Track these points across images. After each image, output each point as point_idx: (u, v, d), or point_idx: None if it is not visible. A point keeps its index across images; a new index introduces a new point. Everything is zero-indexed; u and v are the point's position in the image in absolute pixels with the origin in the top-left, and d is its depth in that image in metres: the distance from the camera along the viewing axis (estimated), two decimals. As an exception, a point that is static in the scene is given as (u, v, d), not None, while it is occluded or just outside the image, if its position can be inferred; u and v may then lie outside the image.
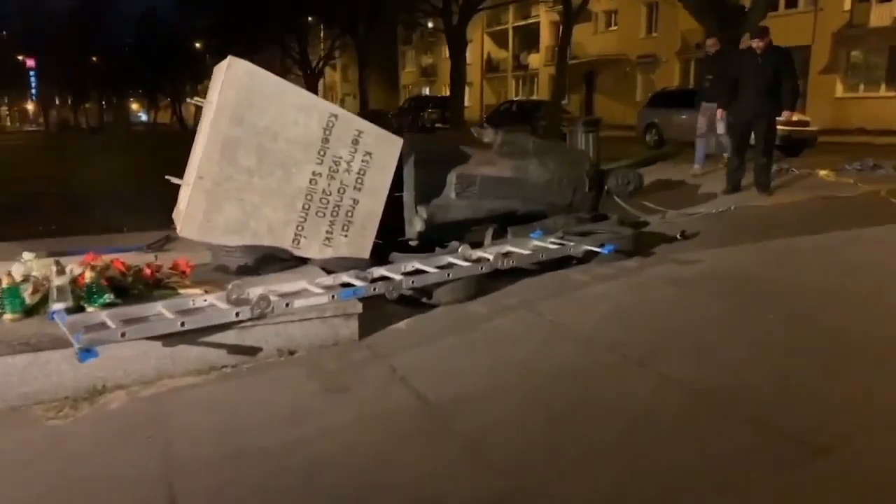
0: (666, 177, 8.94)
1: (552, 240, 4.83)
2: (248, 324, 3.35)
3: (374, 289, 3.71)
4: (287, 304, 3.40)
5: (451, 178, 4.91)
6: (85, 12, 60.90)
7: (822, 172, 8.59)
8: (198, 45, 51.06)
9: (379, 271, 4.05)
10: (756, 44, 7.23)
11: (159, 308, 3.34)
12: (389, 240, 4.75)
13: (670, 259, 4.82)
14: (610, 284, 4.31)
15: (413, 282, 3.87)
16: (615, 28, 35.49)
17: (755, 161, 7.44)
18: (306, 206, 4.28)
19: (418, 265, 4.18)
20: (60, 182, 13.41)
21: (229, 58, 4.05)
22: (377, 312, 3.81)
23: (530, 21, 41.54)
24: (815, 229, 5.53)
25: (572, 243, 4.70)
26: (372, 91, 51.27)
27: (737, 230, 5.82)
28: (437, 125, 26.40)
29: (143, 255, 4.64)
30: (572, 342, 3.37)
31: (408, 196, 4.71)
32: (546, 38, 39.81)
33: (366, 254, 4.48)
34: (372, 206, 4.46)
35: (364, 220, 4.45)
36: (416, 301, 4.10)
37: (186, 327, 3.13)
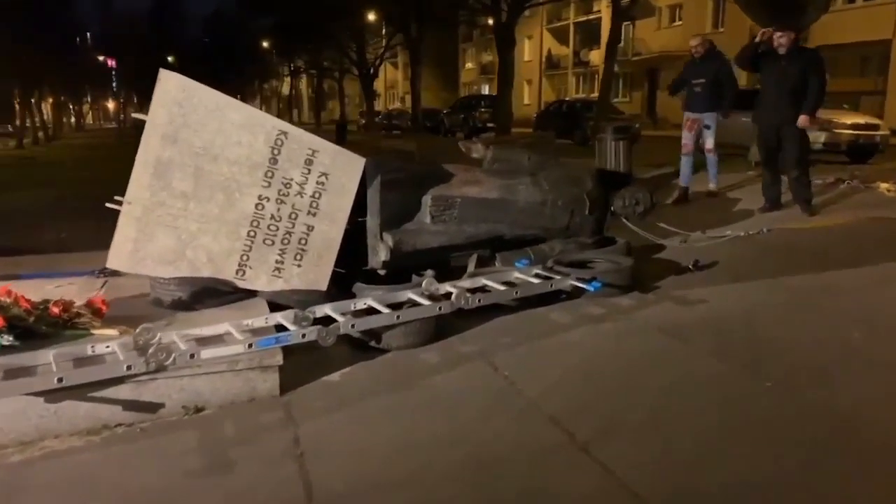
0: (703, 188, 8.17)
1: (537, 271, 4.27)
2: (146, 377, 2.95)
3: (304, 335, 3.25)
4: (192, 356, 2.98)
5: (427, 200, 4.41)
6: (159, 14, 62.88)
7: (884, 186, 7.66)
8: (265, 43, 51.87)
9: (323, 310, 3.60)
10: (779, 39, 6.36)
11: (50, 357, 2.98)
12: (356, 269, 4.30)
13: (671, 297, 4.19)
14: (590, 329, 3.73)
15: (353, 325, 3.39)
16: (680, 23, 34.06)
17: (788, 175, 6.64)
18: (252, 234, 3.87)
19: (372, 302, 3.71)
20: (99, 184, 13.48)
21: (161, 71, 3.66)
22: (317, 356, 3.36)
23: (592, 16, 40.37)
24: (855, 260, 4.78)
25: (557, 277, 4.13)
26: (431, 89, 51.11)
27: (761, 259, 5.10)
28: (489, 125, 25.76)
29: (94, 280, 4.36)
30: (516, 411, 2.83)
31: (372, 221, 4.23)
32: (608, 33, 38.48)
33: (322, 285, 4.03)
34: (329, 233, 4.01)
35: (320, 249, 4.01)
36: (366, 344, 3.63)
37: (65, 383, 2.75)
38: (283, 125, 3.86)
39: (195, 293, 3.78)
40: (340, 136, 28.30)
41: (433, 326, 3.68)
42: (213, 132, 3.73)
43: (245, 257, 3.88)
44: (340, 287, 4.07)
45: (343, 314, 3.61)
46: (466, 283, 4.07)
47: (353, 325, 3.39)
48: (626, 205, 5.05)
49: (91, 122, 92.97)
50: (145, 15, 64.35)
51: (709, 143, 7.91)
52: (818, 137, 11.39)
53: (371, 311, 3.63)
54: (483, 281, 4.09)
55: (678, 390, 2.91)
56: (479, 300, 3.75)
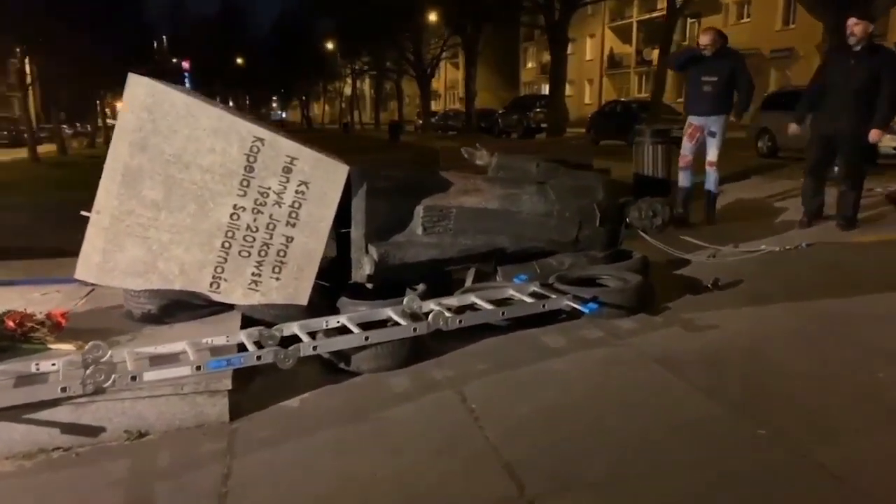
0: (751, 196, 7.64)
1: (534, 288, 3.96)
2: (85, 399, 2.79)
3: (259, 357, 3.04)
4: (133, 378, 2.81)
5: (419, 210, 4.15)
6: (227, 17, 64.64)
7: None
8: (329, 45, 52.52)
9: (291, 328, 3.39)
10: (852, 27, 5.54)
11: (-10, 374, 2.86)
12: (344, 283, 4.09)
13: (679, 321, 3.80)
14: (580, 357, 3.40)
15: (316, 347, 3.17)
16: (748, 20, 32.72)
17: (838, 188, 6.02)
18: (227, 245, 3.69)
19: (345, 321, 3.48)
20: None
21: (129, 76, 3.51)
22: (286, 376, 3.15)
23: (655, 14, 39.19)
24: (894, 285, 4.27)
25: (553, 296, 3.81)
26: (491, 89, 50.72)
27: (792, 278, 4.62)
28: (543, 126, 25.24)
29: (81, 288, 4.27)
30: (471, 453, 2.54)
31: (356, 233, 4.00)
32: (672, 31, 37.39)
33: (303, 300, 3.83)
34: (310, 245, 3.80)
35: (300, 261, 3.80)
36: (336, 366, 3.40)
37: (-6, 405, 2.62)
38: (260, 131, 3.66)
39: (165, 306, 3.63)
40: (394, 136, 28.36)
41: (408, 348, 3.42)
42: (185, 139, 3.56)
43: (220, 269, 3.70)
44: (317, 303, 3.87)
45: (313, 333, 3.41)
46: (454, 300, 3.80)
47: (314, 348, 3.16)
48: (642, 217, 4.66)
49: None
50: (214, 18, 66.23)
51: (712, 153, 6.60)
52: (892, 141, 10.45)
53: (346, 329, 3.41)
54: (472, 299, 3.81)
55: (655, 437, 2.56)
56: (461, 321, 3.47)
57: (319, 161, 3.77)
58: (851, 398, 2.78)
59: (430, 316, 3.40)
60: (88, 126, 40.52)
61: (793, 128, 6.16)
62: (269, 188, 3.70)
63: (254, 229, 3.72)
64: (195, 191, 3.61)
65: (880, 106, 5.48)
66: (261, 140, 3.66)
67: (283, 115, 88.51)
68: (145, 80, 3.52)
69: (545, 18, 21.98)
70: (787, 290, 4.33)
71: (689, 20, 36.54)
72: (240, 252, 3.71)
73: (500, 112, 30.41)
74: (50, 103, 34.08)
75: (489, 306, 3.67)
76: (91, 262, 3.57)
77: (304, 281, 3.83)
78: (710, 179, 6.64)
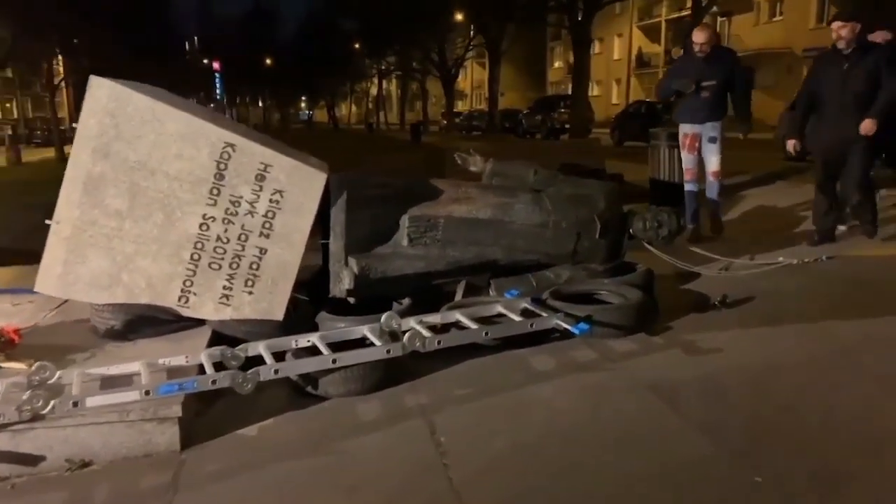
0: (773, 203, 7.27)
1: (526, 305, 3.70)
2: (24, 425, 2.60)
3: (215, 382, 2.83)
4: (75, 404, 2.61)
5: (404, 220, 3.91)
6: (254, 18, 65.13)
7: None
8: (356, 45, 52.53)
9: (257, 348, 3.17)
10: (837, 31, 5.03)
11: (-73, 397, 2.68)
12: (326, 297, 3.87)
13: (680, 343, 3.51)
14: (568, 382, 3.13)
15: (277, 371, 2.94)
16: (780, 18, 31.90)
17: (848, 201, 5.58)
18: (196, 257, 3.49)
19: (316, 341, 3.26)
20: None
21: (91, 77, 3.33)
22: (245, 401, 2.93)
23: (685, 13, 38.43)
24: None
25: (545, 314, 3.54)
26: (518, 89, 50.35)
27: (809, 295, 4.28)
28: (567, 126, 24.81)
29: (53, 299, 4.10)
30: (426, 499, 2.29)
31: (335, 244, 3.77)
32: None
33: (278, 315, 3.62)
34: (285, 257, 3.59)
35: (274, 274, 3.59)
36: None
37: (-79, 432, 2.44)
38: (231, 136, 3.45)
39: (130, 322, 3.44)
40: (415, 137, 28.17)
41: (382, 371, 3.17)
42: (150, 145, 3.37)
43: (188, 283, 3.51)
44: (295, 318, 3.66)
45: (281, 353, 3.19)
46: (437, 317, 3.56)
47: (276, 371, 2.93)
48: (646, 228, 4.36)
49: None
50: (242, 19, 66.79)
51: (713, 162, 5.89)
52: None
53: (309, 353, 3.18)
54: (457, 316, 3.56)
55: (638, 483, 2.29)
56: (440, 342, 3.22)
57: (295, 168, 3.55)
58: (861, 444, 2.46)
59: (406, 336, 3.16)
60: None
61: (791, 144, 5.51)
62: (241, 197, 3.49)
63: (225, 240, 3.51)
64: (162, 199, 3.42)
65: (880, 96, 4.99)
66: (232, 146, 3.45)
67: (311, 114, 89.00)
68: (107, 82, 3.33)
69: (568, 18, 21.61)
70: (802, 309, 4.00)
71: (719, 19, 35.82)
72: (210, 264, 3.51)
73: (525, 112, 30.00)
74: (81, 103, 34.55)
75: (474, 325, 3.41)
76: (52, 274, 3.39)
77: (278, 295, 3.62)
78: (714, 189, 6.02)
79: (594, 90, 51.27)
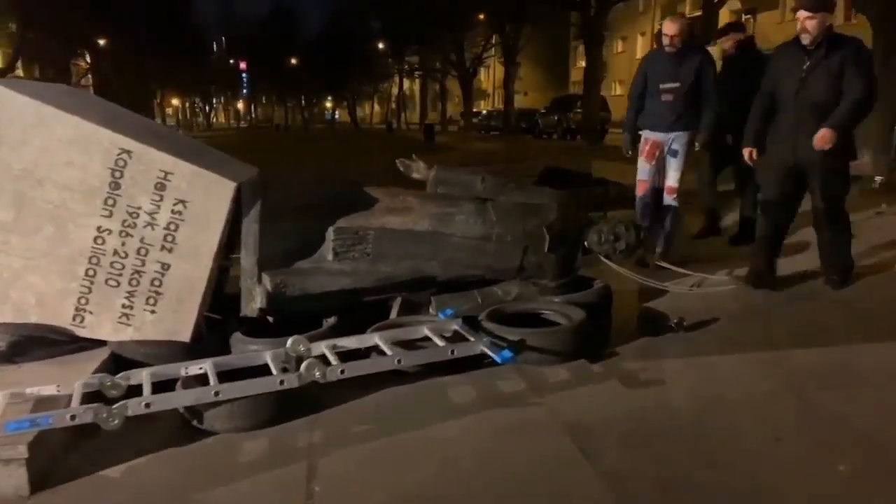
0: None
1: (456, 327, 3.36)
2: None
3: (73, 417, 2.54)
4: None
5: (329, 233, 3.60)
6: (279, 18, 65.44)
7: None
8: (379, 45, 52.42)
9: (140, 376, 2.88)
10: (803, 22, 3.93)
11: None
12: (238, 316, 3.58)
13: (620, 372, 3.15)
14: (480, 420, 2.79)
15: (148, 405, 2.64)
16: (806, 15, 30.93)
17: (819, 235, 4.33)
18: (91, 273, 3.22)
19: (208, 368, 2.96)
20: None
21: (-30, 79, 3.06)
22: (125, 435, 2.64)
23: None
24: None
25: (471, 339, 3.20)
26: (539, 89, 49.75)
27: (779, 317, 3.87)
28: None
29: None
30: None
31: (246, 259, 3.47)
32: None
33: (184, 335, 3.33)
34: (191, 273, 3.30)
35: (179, 292, 3.30)
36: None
37: None
38: (127, 141, 3.16)
39: (16, 343, 3.16)
40: (428, 137, 27.83)
41: (275, 404, 2.85)
42: (37, 151, 3.10)
43: (83, 300, 3.23)
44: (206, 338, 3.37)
45: (168, 382, 2.90)
46: (353, 341, 3.24)
47: (147, 405, 2.64)
48: (601, 241, 3.99)
49: (223, 121, 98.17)
50: (265, 19, 67.13)
51: (672, 177, 4.99)
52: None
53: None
54: (375, 340, 3.23)
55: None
56: (343, 372, 2.89)
57: (199, 176, 3.25)
58: (796, 501, 2.09)
59: (304, 366, 2.84)
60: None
61: (748, 153, 4.37)
62: (140, 208, 3.21)
63: (123, 255, 3.23)
64: (51, 211, 3.14)
65: (843, 103, 3.90)
66: (128, 152, 3.16)
67: (335, 115, 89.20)
68: (-12, 83, 3.06)
69: (582, 16, 21.09)
70: (768, 332, 3.60)
71: (744, 16, 34.97)
72: (107, 281, 3.23)
73: (541, 112, 29.52)
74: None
75: (389, 352, 3.09)
76: (-70, 291, 3.14)
77: (184, 314, 3.33)
78: (667, 213, 5.05)
79: (616, 89, 50.40)
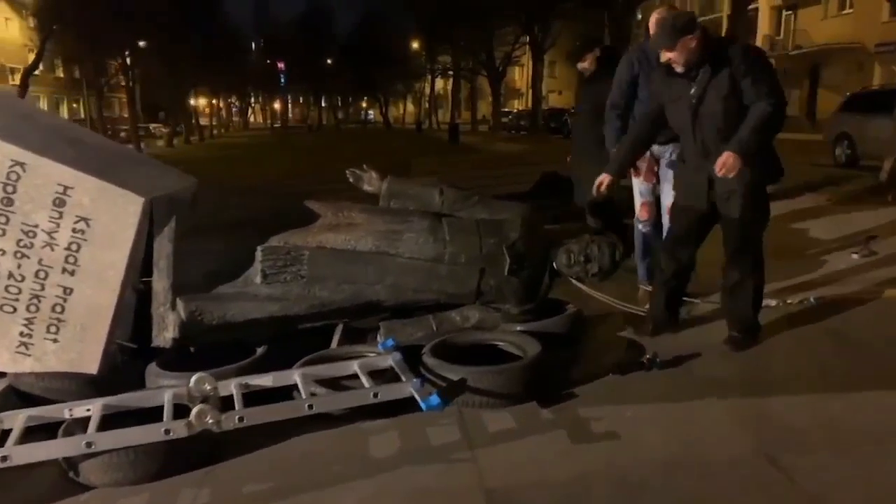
0: (786, 221, 6.25)
1: (393, 363, 2.96)
2: None
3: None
4: None
5: (258, 253, 3.23)
6: (312, 19, 65.72)
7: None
8: (412, 45, 52.21)
9: (15, 420, 2.55)
10: (669, 56, 3.27)
11: None
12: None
13: (571, 422, 2.71)
14: (385, 483, 2.39)
15: (6, 458, 2.30)
16: (850, 11, 29.68)
17: (725, 280, 3.52)
18: (-17, 298, 2.89)
19: (95, 409, 2.61)
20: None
21: None
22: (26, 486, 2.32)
23: (750, 8, 36.43)
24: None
25: (404, 378, 2.80)
26: (572, 88, 48.83)
27: (769, 354, 3.37)
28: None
29: None
30: None
31: (159, 283, 3.11)
32: (765, 26, 34.74)
33: (90, 367, 2.99)
34: (96, 298, 2.96)
35: (84, 319, 2.97)
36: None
37: None
38: (18, 153, 2.83)
39: None
40: (453, 137, 27.49)
41: (163, 456, 2.49)
42: (-83, 162, 2.79)
43: (-24, 328, 2.91)
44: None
45: (50, 426, 2.57)
46: (267, 379, 2.86)
47: (4, 458, 2.29)
48: (571, 262, 3.54)
49: (260, 121, 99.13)
50: (300, 20, 67.51)
51: (669, 194, 4.03)
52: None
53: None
54: (295, 377, 2.85)
55: None
56: (241, 419, 2.52)
57: (103, 191, 2.91)
58: None
59: (194, 413, 2.47)
60: (175, 127, 41.69)
61: (607, 180, 3.63)
62: (37, 226, 2.88)
63: (19, 278, 2.90)
64: (-64, 229, 2.83)
65: (748, 120, 3.17)
66: (20, 164, 2.83)
67: (368, 115, 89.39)
68: None
69: (608, 13, 20.42)
70: (755, 375, 3.12)
71: (784, 12, 33.84)
72: (2, 306, 2.91)
73: (570, 112, 28.82)
74: (136, 105, 35.51)
75: (305, 392, 2.70)
76: None
77: (91, 344, 2.99)
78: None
79: (653, 88, 49.20)
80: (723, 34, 15.14)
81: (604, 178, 3.63)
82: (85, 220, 2.90)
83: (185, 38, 32.41)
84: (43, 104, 43.22)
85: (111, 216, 2.92)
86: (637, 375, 3.11)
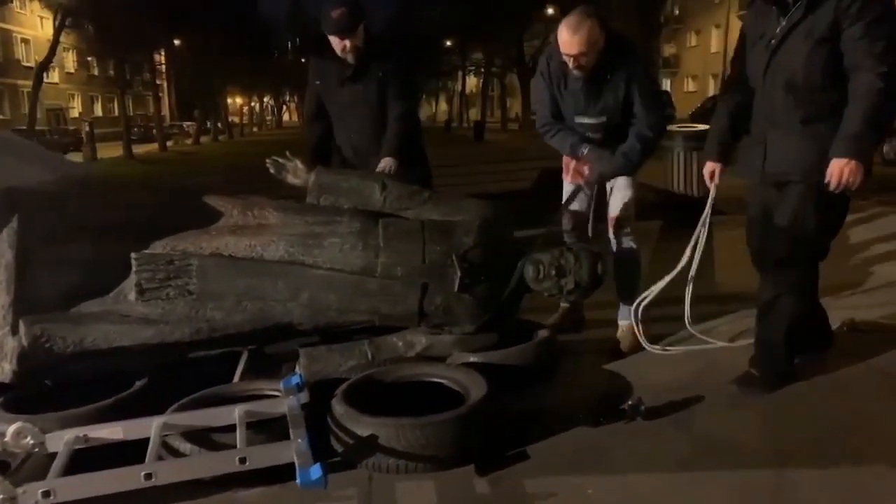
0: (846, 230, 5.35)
1: (286, 411, 2.26)
2: None
3: None
4: None
5: (133, 262, 2.55)
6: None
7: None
8: (447, 42, 51.51)
9: None
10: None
11: None
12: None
13: (506, 499, 1.98)
14: None
15: None
16: None
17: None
18: None
19: None
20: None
21: None
22: None
23: (792, 0, 34.93)
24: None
25: (293, 434, 2.09)
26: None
27: (775, 406, 2.56)
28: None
29: None
30: None
31: (-2, 301, 2.45)
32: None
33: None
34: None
35: None
36: None
37: None
38: None
39: None
40: (478, 135, 26.84)
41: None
42: None
43: None
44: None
45: None
46: (116, 431, 2.18)
47: None
48: (540, 277, 2.79)
49: (295, 119, 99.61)
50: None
51: (616, 204, 3.26)
52: None
53: None
54: (152, 431, 2.16)
55: None
56: (49, 495, 1.83)
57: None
58: None
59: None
60: (208, 122, 41.58)
61: (710, 168, 2.83)
62: None
63: None
64: None
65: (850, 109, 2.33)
66: None
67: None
68: None
69: (636, 4, 19.34)
70: (769, 434, 2.34)
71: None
72: None
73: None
74: (164, 103, 35.48)
75: (153, 451, 2.02)
76: None
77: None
78: (626, 254, 3.24)
79: (689, 85, 47.77)
80: None
81: (712, 168, 2.80)
82: None
83: (218, 37, 32.33)
84: (77, 102, 43.83)
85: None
86: (614, 428, 2.35)
